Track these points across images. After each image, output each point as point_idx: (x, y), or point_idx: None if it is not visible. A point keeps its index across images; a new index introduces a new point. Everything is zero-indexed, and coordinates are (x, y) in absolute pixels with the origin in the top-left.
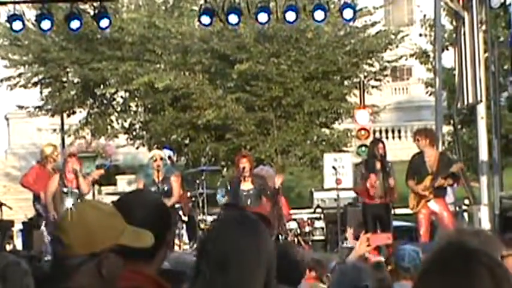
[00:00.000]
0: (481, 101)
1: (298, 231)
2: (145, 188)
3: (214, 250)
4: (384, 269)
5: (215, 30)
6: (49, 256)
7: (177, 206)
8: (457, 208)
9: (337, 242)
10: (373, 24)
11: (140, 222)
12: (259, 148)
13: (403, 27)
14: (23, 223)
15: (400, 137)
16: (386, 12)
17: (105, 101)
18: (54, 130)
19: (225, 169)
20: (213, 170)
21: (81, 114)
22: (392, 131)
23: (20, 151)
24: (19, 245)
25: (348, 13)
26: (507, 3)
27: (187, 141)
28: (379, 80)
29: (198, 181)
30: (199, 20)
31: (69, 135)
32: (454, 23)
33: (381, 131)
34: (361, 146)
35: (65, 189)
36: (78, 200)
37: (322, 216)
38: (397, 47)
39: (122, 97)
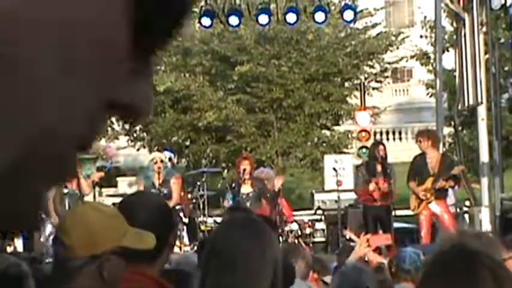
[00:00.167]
0: (481, 102)
1: (299, 232)
2: (146, 190)
3: (222, 252)
4: (384, 271)
5: (216, 32)
6: (50, 258)
7: (177, 207)
8: (458, 210)
9: (338, 243)
10: (374, 25)
11: (142, 224)
12: (260, 150)
13: (404, 29)
14: None
15: (400, 139)
16: (387, 13)
17: None
18: None
19: (225, 171)
20: (214, 171)
21: None
22: (393, 133)
23: None
24: (20, 247)
25: (348, 15)
26: (508, 4)
27: (187, 143)
28: (380, 81)
29: (198, 183)
30: (199, 22)
31: None
32: (455, 24)
33: (381, 133)
34: (361, 147)
35: (65, 190)
36: (79, 202)
37: (322, 217)
38: (397, 48)
39: None
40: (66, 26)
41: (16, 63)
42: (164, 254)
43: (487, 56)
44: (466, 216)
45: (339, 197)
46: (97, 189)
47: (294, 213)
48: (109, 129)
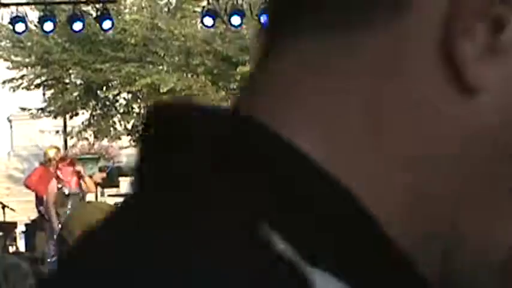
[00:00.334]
0: None
1: None
2: None
3: None
4: None
5: (218, 32)
6: (52, 258)
7: None
8: None
9: None
10: None
11: None
12: None
13: None
14: (26, 225)
15: None
16: None
17: (107, 103)
18: (57, 132)
19: None
20: None
21: (83, 115)
22: None
23: (23, 153)
24: (22, 247)
25: None
26: None
27: None
28: None
29: None
30: (201, 22)
31: (72, 137)
32: None
33: None
34: None
35: (66, 191)
36: (82, 201)
37: None
38: None
39: (124, 99)
40: None
41: None
42: None
43: None
44: None
45: None
46: (99, 189)
47: None
48: (111, 129)
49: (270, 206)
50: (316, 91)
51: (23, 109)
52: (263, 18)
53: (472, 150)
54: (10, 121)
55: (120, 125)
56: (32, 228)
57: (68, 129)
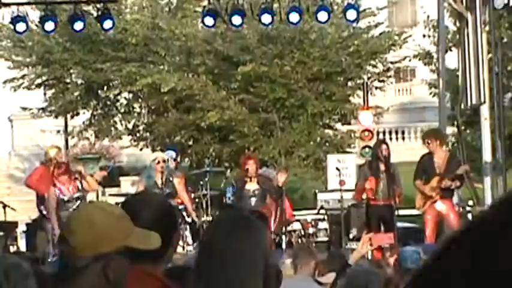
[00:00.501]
0: (484, 102)
1: (302, 232)
2: (148, 190)
3: (212, 249)
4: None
5: (218, 32)
6: (52, 258)
7: (180, 207)
8: (461, 209)
9: (340, 243)
10: (377, 25)
11: (146, 223)
12: (263, 149)
13: (407, 28)
14: (27, 224)
15: (403, 138)
16: (390, 13)
17: (108, 103)
18: (58, 131)
19: (228, 170)
20: (217, 171)
21: (84, 115)
22: (396, 132)
23: (24, 153)
24: (23, 247)
25: (351, 14)
26: (511, 4)
27: (190, 143)
28: (383, 81)
29: (201, 182)
30: (202, 22)
31: (73, 137)
32: (458, 24)
33: (384, 132)
34: (364, 147)
35: (65, 198)
36: (83, 201)
37: (326, 217)
38: (400, 48)
39: (125, 98)
40: None
41: None
42: (168, 254)
43: (490, 55)
44: (469, 215)
45: (342, 197)
46: (100, 188)
47: (297, 212)
48: (112, 129)
49: None
50: None
51: (24, 109)
52: (263, 18)
53: None
54: (11, 121)
55: (121, 124)
56: (32, 228)
57: (69, 128)
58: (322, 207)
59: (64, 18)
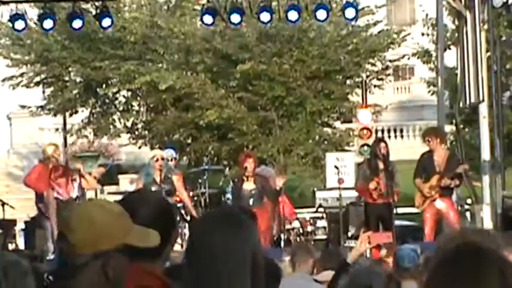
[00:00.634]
0: (483, 100)
1: (301, 230)
2: (146, 188)
3: (201, 246)
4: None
5: (217, 30)
6: (51, 256)
7: (179, 205)
8: (460, 207)
9: (339, 241)
10: (375, 23)
11: (145, 221)
12: (262, 147)
13: (405, 27)
14: (25, 222)
15: (402, 136)
16: (389, 11)
17: (107, 101)
18: (57, 129)
19: (227, 169)
20: (216, 169)
21: (83, 113)
22: (395, 131)
23: (22, 150)
24: (21, 245)
25: (350, 12)
26: (509, 2)
27: (189, 141)
28: (381, 79)
29: (200, 180)
30: (201, 20)
31: (72, 135)
32: (456, 22)
33: (383, 131)
34: (363, 145)
35: (61, 197)
36: (83, 199)
37: (324, 215)
38: (399, 46)
39: (124, 96)
40: None
41: None
42: (166, 251)
43: (488, 53)
44: (468, 213)
45: (340, 195)
46: (99, 186)
47: (296, 210)
48: (111, 127)
49: None
50: None
51: (23, 107)
52: (262, 16)
53: None
54: (10, 119)
55: (120, 122)
56: (31, 226)
57: (68, 126)
58: (320, 206)
59: (63, 16)
